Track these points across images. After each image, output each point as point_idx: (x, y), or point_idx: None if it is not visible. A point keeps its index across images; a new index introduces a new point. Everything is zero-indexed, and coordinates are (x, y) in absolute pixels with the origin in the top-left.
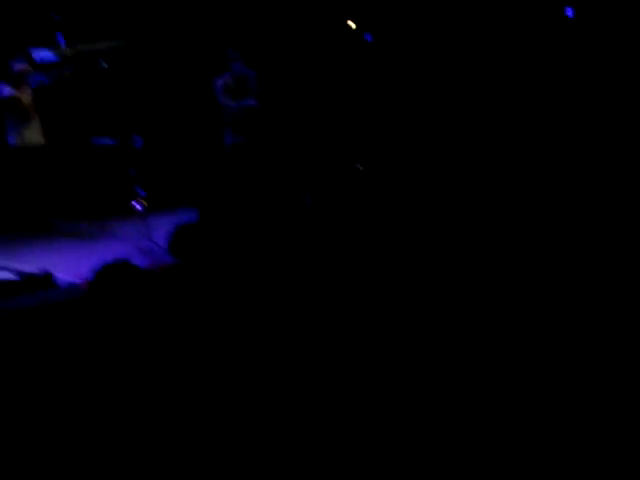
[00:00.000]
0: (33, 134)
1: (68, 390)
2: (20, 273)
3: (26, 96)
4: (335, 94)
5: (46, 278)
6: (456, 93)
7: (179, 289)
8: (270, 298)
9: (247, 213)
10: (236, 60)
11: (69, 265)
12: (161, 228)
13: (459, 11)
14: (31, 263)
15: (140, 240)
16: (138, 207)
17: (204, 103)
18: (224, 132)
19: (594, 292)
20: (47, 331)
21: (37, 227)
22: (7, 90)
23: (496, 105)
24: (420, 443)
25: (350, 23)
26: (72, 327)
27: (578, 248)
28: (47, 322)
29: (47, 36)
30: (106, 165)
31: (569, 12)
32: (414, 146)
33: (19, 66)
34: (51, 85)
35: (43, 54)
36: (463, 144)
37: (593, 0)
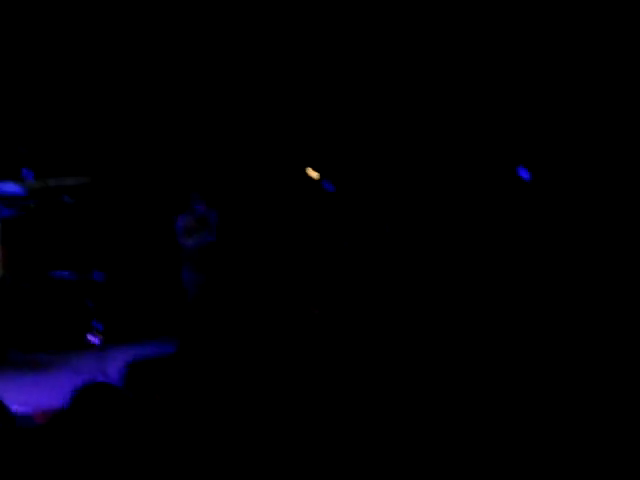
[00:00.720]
0: None
1: None
2: None
3: None
4: (289, 234)
5: None
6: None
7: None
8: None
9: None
10: (198, 200)
11: (22, 396)
12: (117, 362)
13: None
14: None
15: (95, 373)
16: (95, 340)
17: (165, 241)
18: (183, 270)
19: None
20: None
21: None
22: None
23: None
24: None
25: (311, 172)
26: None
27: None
28: None
29: (13, 169)
30: (64, 298)
31: (524, 174)
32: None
33: None
34: (16, 218)
35: (9, 187)
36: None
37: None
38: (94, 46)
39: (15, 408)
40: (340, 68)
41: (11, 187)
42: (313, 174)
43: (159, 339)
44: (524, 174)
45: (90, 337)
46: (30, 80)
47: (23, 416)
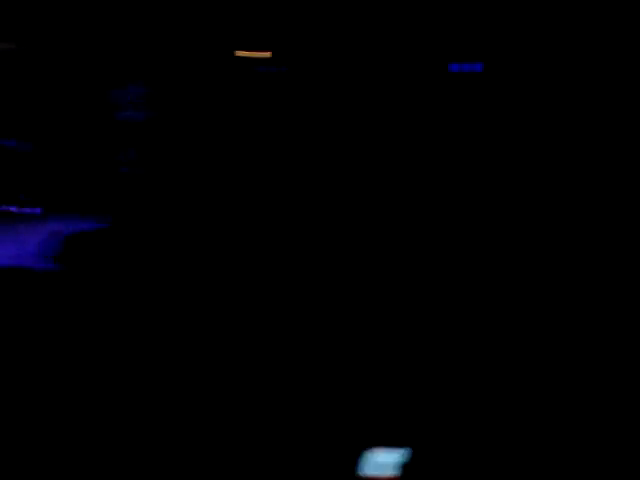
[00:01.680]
0: None
1: None
2: None
3: None
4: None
5: None
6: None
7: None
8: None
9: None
10: (133, 76)
11: None
12: (45, 233)
13: None
14: None
15: (24, 243)
16: (20, 210)
17: (99, 115)
18: (118, 145)
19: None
20: None
21: None
22: None
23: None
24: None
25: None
26: None
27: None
28: None
29: None
30: None
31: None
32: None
33: None
34: None
35: None
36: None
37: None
38: None
39: None
40: None
41: None
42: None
43: (90, 215)
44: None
45: (14, 208)
46: None
47: None
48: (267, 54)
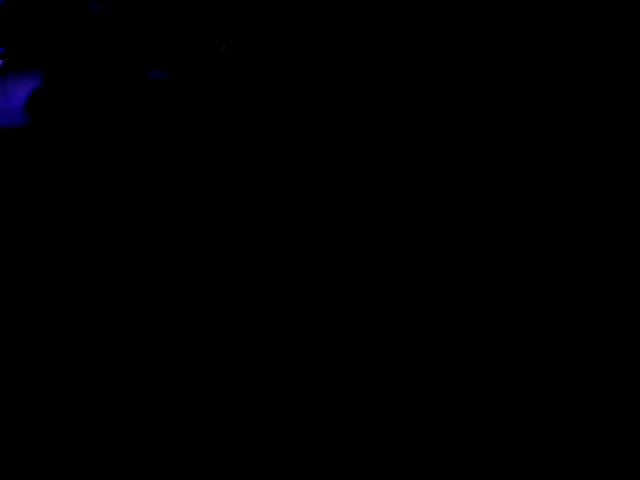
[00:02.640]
0: None
1: None
2: None
3: None
4: None
5: None
6: None
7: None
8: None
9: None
10: None
11: None
12: (20, 88)
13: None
14: None
15: None
16: None
17: None
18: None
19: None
20: None
21: None
22: None
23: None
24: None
25: None
26: None
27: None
28: None
29: None
30: None
31: None
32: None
33: None
34: None
35: None
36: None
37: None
38: None
39: None
40: None
41: None
42: None
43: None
44: None
45: None
46: None
47: None
48: None
